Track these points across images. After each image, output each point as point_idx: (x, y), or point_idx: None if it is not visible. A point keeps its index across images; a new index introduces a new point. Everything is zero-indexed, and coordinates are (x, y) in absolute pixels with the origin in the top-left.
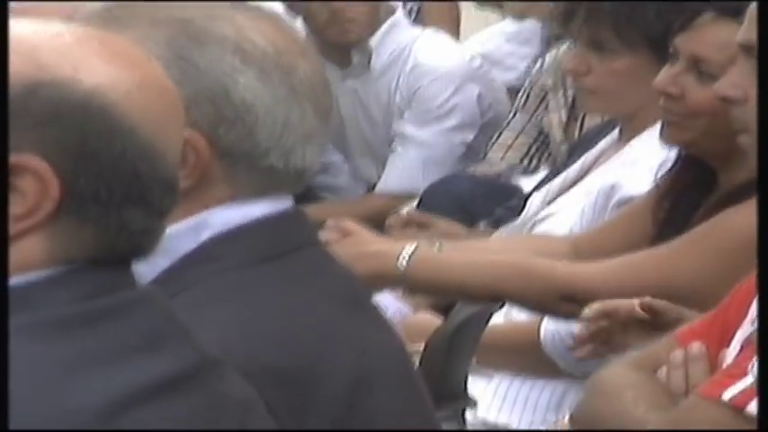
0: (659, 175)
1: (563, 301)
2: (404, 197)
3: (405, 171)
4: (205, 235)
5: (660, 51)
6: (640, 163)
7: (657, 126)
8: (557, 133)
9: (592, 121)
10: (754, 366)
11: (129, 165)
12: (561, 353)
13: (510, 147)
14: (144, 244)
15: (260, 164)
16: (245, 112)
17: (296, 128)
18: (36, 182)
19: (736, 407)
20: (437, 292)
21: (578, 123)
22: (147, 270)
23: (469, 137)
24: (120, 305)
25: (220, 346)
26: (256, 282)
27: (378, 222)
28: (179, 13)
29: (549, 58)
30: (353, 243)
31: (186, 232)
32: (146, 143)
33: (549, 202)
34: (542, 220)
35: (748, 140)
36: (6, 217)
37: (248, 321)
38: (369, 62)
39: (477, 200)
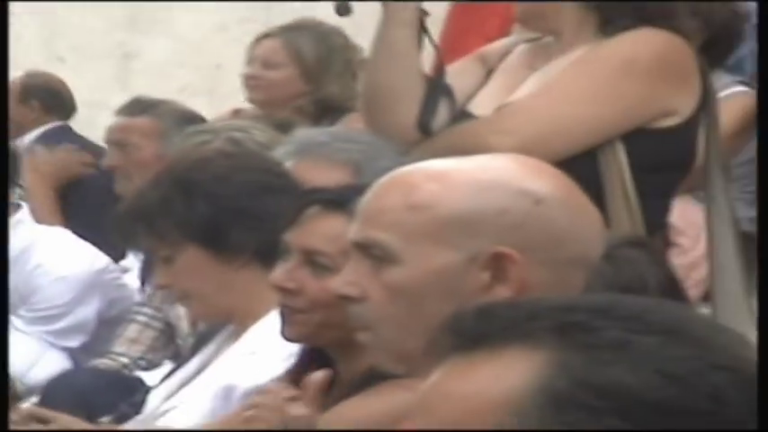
0: (285, 368)
1: None
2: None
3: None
4: None
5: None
6: (259, 353)
7: (272, 316)
8: (183, 325)
9: None
10: None
11: None
12: None
13: (135, 340)
14: None
15: None
16: None
17: None
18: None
19: None
20: None
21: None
22: None
23: (79, 340)
24: None
25: None
26: None
27: None
28: None
29: None
30: None
31: None
32: None
33: (171, 396)
34: (164, 413)
35: (369, 337)
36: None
37: None
38: None
39: (100, 393)
